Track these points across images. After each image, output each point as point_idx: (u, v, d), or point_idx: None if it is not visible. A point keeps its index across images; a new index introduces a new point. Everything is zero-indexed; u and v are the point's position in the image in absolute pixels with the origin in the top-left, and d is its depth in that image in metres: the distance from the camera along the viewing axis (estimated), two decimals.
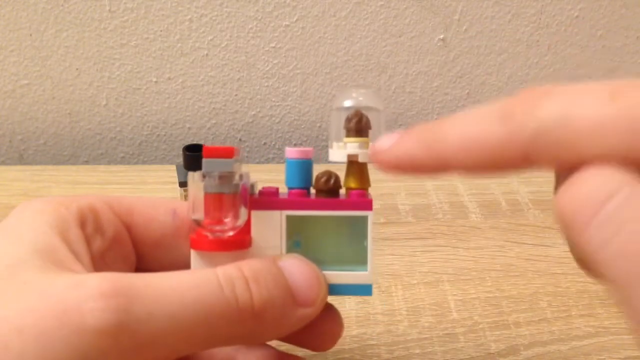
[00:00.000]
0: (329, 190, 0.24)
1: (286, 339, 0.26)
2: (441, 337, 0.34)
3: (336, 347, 0.33)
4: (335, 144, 0.24)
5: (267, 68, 0.59)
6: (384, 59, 0.59)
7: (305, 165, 0.24)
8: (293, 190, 0.24)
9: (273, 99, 0.60)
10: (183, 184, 0.40)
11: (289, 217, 0.24)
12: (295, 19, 0.57)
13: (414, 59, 0.60)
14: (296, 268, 0.22)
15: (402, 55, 0.59)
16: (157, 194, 0.49)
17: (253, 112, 0.61)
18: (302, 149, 0.24)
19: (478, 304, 0.36)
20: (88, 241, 0.23)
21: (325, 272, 0.24)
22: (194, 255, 0.24)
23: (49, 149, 0.60)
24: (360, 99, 0.25)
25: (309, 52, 0.58)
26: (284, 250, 0.24)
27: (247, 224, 0.24)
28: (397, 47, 0.59)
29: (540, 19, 0.59)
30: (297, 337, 0.25)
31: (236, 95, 0.60)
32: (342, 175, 0.25)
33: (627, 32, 0.60)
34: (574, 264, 0.21)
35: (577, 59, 0.61)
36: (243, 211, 0.23)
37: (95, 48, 0.57)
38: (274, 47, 0.58)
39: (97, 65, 0.57)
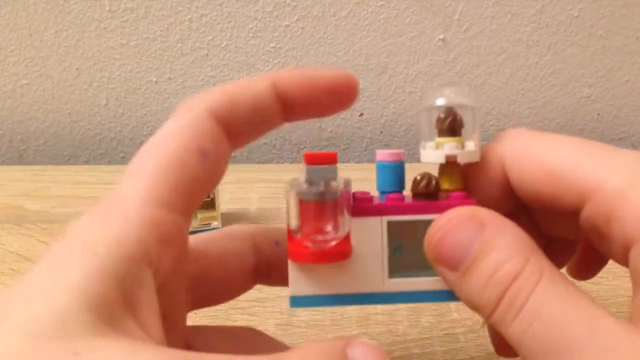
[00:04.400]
0: (429, 193, 0.23)
1: None
2: (441, 337, 0.34)
3: None
4: (427, 145, 0.23)
5: (267, 68, 0.59)
6: (384, 59, 0.59)
7: (399, 169, 0.23)
8: (390, 195, 0.23)
9: None
10: None
11: (390, 223, 0.23)
12: (295, 19, 0.57)
13: (414, 59, 0.60)
14: (359, 351, 0.19)
15: (402, 55, 0.59)
16: None
17: None
18: (394, 151, 0.23)
19: None
20: (156, 269, 0.19)
21: (426, 279, 0.23)
22: (292, 268, 0.22)
23: (49, 149, 0.60)
24: (452, 96, 0.23)
25: (309, 52, 0.58)
26: (385, 258, 0.23)
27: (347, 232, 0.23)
28: (397, 47, 0.59)
29: (540, 19, 0.59)
30: None
31: None
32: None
33: (627, 32, 0.60)
34: None
35: (577, 59, 0.61)
36: (346, 219, 0.22)
37: (95, 48, 0.57)
38: (274, 47, 0.58)
39: (97, 65, 0.57)
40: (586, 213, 0.21)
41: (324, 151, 0.22)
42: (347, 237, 0.22)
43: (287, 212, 0.22)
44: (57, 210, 0.47)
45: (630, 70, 0.62)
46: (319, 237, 0.22)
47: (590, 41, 0.60)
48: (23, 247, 0.41)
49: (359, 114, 0.61)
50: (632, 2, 0.59)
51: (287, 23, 0.57)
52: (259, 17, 0.57)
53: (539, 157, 0.22)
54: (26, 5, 0.55)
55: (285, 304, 0.32)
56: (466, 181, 0.24)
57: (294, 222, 0.22)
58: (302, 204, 0.21)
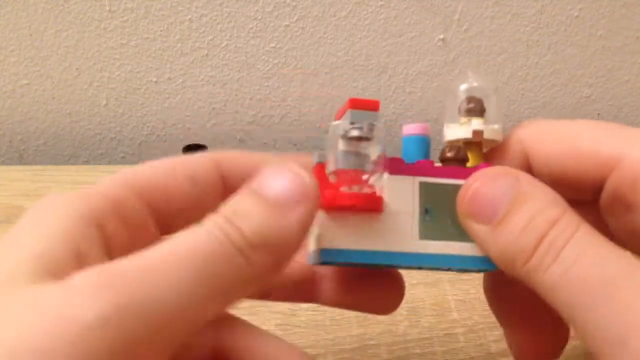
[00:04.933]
0: (459, 159, 0.23)
1: (350, 305, 0.25)
2: (441, 337, 0.34)
3: (336, 347, 0.33)
4: (452, 124, 0.24)
5: (267, 68, 0.59)
6: (384, 59, 0.59)
7: (425, 142, 0.24)
8: (421, 161, 0.23)
9: (273, 99, 0.60)
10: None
11: (422, 184, 0.23)
12: (295, 19, 0.57)
13: (414, 59, 0.60)
14: (268, 180, 0.20)
15: (402, 55, 0.59)
16: None
17: (253, 112, 0.61)
18: (421, 124, 0.24)
19: (478, 304, 0.36)
20: (109, 238, 0.20)
21: (455, 244, 0.23)
22: (323, 218, 0.22)
23: (49, 149, 0.60)
24: (476, 80, 0.24)
25: (309, 52, 0.58)
26: (417, 218, 0.23)
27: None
28: (397, 47, 0.59)
29: (540, 19, 0.59)
30: (362, 300, 0.24)
31: (236, 95, 0.60)
32: None
33: (627, 32, 0.60)
34: None
35: (577, 59, 0.61)
36: (382, 174, 0.22)
37: (95, 48, 0.57)
38: (274, 47, 0.58)
39: (97, 65, 0.57)
40: (611, 183, 0.22)
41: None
42: (380, 192, 0.23)
43: (330, 157, 0.22)
44: None
45: (630, 70, 0.62)
46: (355, 187, 0.22)
47: (590, 41, 0.60)
48: None
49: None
50: (632, 2, 0.59)
51: (287, 23, 0.57)
52: (259, 17, 0.57)
53: (561, 135, 0.23)
54: (26, 5, 0.55)
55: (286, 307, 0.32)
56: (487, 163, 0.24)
57: (332, 166, 0.22)
58: (344, 147, 0.21)
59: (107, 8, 0.56)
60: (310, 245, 0.23)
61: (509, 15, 0.59)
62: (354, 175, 0.22)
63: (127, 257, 0.18)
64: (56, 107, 0.59)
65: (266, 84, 0.59)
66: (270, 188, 0.19)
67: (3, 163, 0.60)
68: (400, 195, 0.23)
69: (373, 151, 0.22)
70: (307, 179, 0.20)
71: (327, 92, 0.60)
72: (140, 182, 0.22)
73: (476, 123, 0.24)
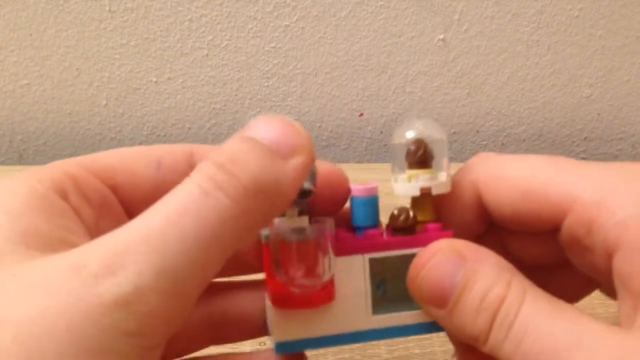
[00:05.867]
0: (408, 227, 0.23)
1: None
2: (441, 337, 0.34)
3: (336, 347, 0.33)
4: (399, 177, 0.24)
5: (267, 68, 0.59)
6: (384, 59, 0.59)
7: (374, 203, 0.23)
8: (369, 231, 0.23)
9: (273, 99, 0.60)
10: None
11: (372, 260, 0.23)
12: (295, 19, 0.57)
13: (414, 59, 0.60)
14: (263, 127, 0.19)
15: (402, 55, 0.59)
16: None
17: (253, 112, 0.61)
18: (368, 186, 0.23)
19: None
20: (76, 212, 0.20)
21: (410, 313, 0.23)
22: (276, 314, 0.22)
23: (49, 149, 0.60)
24: (422, 128, 0.24)
25: (309, 52, 0.58)
26: (369, 295, 0.23)
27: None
28: (397, 47, 0.59)
29: (540, 19, 0.59)
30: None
31: (236, 95, 0.60)
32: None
33: (627, 32, 0.60)
34: None
35: (577, 59, 0.61)
36: (332, 260, 0.22)
37: (95, 48, 0.57)
38: (274, 47, 0.58)
39: (97, 65, 0.57)
40: (566, 227, 0.22)
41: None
42: (331, 279, 0.22)
43: (264, 258, 0.21)
44: None
45: (630, 70, 0.62)
46: (306, 282, 0.21)
47: (590, 41, 0.60)
48: None
49: (359, 114, 0.61)
50: (632, 2, 0.59)
51: (287, 23, 0.57)
52: (259, 17, 0.57)
53: (513, 176, 0.23)
54: (26, 5, 0.55)
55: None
56: (438, 209, 0.24)
57: (276, 266, 0.21)
58: (284, 246, 0.21)
59: (107, 8, 0.56)
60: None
61: (509, 15, 0.59)
62: (305, 271, 0.21)
63: (122, 229, 0.17)
64: (56, 107, 0.59)
65: (266, 84, 0.59)
66: (266, 134, 0.19)
67: (3, 163, 0.60)
68: (351, 275, 0.23)
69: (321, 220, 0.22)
70: (301, 129, 0.19)
71: (327, 92, 0.60)
72: (99, 165, 0.22)
73: (423, 179, 0.23)
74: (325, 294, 0.22)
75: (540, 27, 0.60)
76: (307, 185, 0.21)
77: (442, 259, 0.21)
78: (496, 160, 0.24)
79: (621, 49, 0.61)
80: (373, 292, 0.23)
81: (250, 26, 0.57)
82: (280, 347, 0.22)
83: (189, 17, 0.56)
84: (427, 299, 0.21)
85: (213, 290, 0.24)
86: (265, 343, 0.33)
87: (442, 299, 0.21)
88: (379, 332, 0.23)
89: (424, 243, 0.22)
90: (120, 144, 0.60)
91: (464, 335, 0.21)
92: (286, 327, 0.22)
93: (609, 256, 0.20)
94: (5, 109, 0.59)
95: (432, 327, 0.23)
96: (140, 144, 0.60)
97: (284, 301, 0.22)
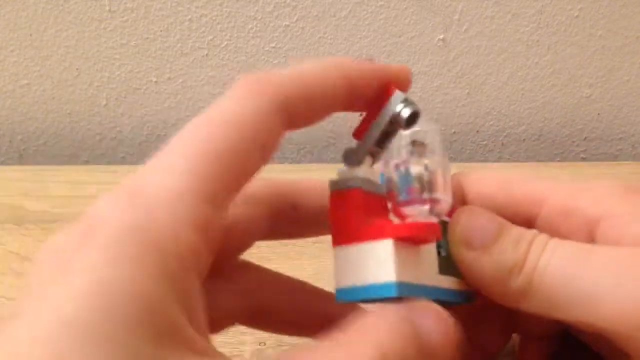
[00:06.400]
0: None
1: None
2: None
3: None
4: None
5: (267, 68, 0.59)
6: (384, 59, 0.59)
7: None
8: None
9: None
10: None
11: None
12: (295, 19, 0.57)
13: (414, 59, 0.60)
14: (429, 324, 0.19)
15: (402, 55, 0.59)
16: None
17: None
18: None
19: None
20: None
21: (451, 278, 0.24)
22: (397, 247, 0.20)
23: (49, 149, 0.60)
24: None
25: (309, 52, 0.58)
26: (435, 253, 0.24)
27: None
28: (397, 47, 0.59)
29: (540, 19, 0.59)
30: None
31: None
32: None
33: (627, 32, 0.60)
34: None
35: (577, 59, 0.61)
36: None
37: (95, 48, 0.57)
38: (274, 47, 0.58)
39: (97, 65, 0.57)
40: (543, 217, 0.24)
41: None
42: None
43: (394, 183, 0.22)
44: (57, 210, 0.47)
45: (630, 70, 0.62)
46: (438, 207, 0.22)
47: (590, 41, 0.60)
48: (23, 247, 0.41)
49: (359, 114, 0.61)
50: (632, 2, 0.59)
51: (287, 23, 0.57)
52: (259, 17, 0.57)
53: (495, 179, 0.26)
54: (26, 5, 0.55)
55: None
56: None
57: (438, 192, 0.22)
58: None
59: (107, 8, 0.56)
60: (369, 276, 0.21)
61: (509, 15, 0.59)
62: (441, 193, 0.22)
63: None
64: (56, 107, 0.59)
65: None
66: (432, 337, 0.18)
67: (3, 163, 0.60)
68: None
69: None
70: (453, 330, 0.19)
71: None
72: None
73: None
74: (435, 230, 0.22)
75: (540, 27, 0.60)
76: (410, 108, 0.23)
77: (478, 211, 0.24)
78: (481, 170, 0.27)
79: (621, 49, 0.61)
80: (437, 251, 0.24)
81: (250, 26, 0.57)
82: (401, 288, 0.20)
83: (189, 17, 0.56)
84: (468, 240, 0.23)
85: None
86: (265, 343, 0.33)
87: (480, 239, 0.23)
88: (440, 290, 0.23)
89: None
90: (120, 144, 0.60)
91: (499, 273, 0.22)
92: (405, 265, 0.21)
93: (592, 233, 0.23)
94: (5, 109, 0.59)
95: (472, 295, 0.25)
96: (140, 144, 0.60)
97: (402, 236, 0.21)
